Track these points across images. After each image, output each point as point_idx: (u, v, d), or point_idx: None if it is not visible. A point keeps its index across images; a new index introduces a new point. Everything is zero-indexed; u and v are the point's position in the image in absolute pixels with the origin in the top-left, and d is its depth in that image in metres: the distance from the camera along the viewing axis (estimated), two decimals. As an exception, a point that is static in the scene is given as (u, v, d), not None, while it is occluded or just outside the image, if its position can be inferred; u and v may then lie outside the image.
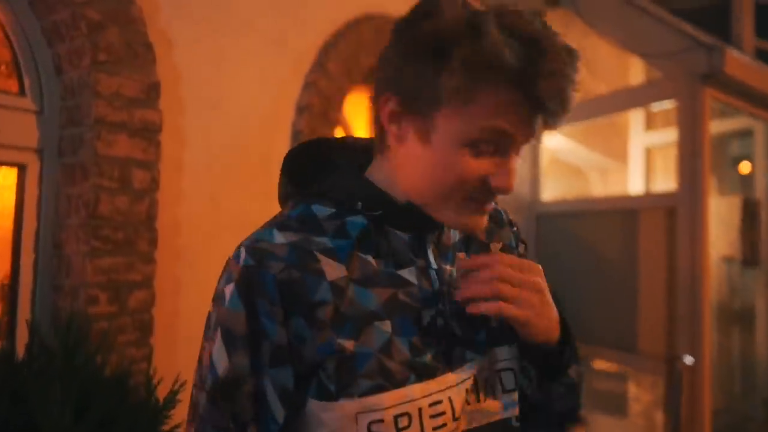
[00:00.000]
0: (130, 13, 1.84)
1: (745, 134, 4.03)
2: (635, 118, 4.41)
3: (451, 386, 0.73)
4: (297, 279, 0.69)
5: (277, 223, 0.74)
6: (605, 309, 3.41)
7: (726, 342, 4.20)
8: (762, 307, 3.74)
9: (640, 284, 3.26)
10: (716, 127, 4.10)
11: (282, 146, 2.27)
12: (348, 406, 0.67)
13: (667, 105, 3.36)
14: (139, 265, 1.81)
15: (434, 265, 0.77)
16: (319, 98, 2.33)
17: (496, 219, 0.90)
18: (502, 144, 0.69)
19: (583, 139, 4.32)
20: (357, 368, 0.68)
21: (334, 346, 0.68)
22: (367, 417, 0.68)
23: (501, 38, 0.63)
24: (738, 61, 3.18)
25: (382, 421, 0.68)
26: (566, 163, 4.28)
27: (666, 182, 4.05)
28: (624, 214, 3.36)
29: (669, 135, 3.83)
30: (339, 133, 2.62)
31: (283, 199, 0.83)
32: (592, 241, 3.49)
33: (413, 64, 0.68)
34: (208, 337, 0.72)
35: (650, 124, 4.42)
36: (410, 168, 0.73)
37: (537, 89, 0.64)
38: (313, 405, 0.69)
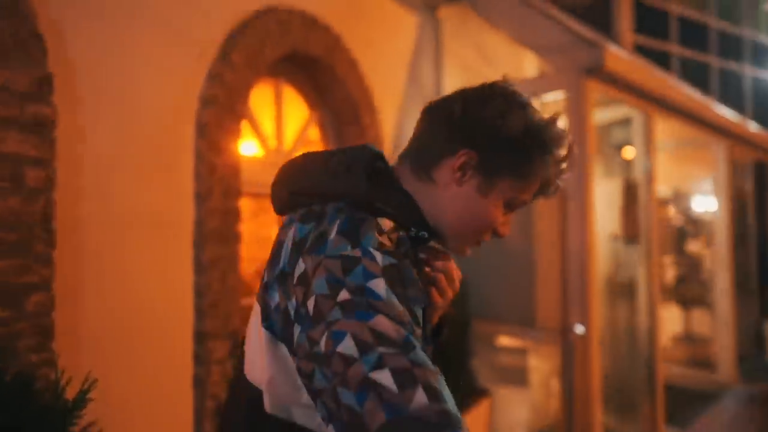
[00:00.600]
0: (17, 2, 1.74)
1: (626, 123, 4.41)
2: (530, 108, 4.68)
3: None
4: (416, 276, 0.82)
5: (373, 229, 0.82)
6: (507, 288, 3.64)
7: (613, 312, 4.61)
8: (642, 279, 4.14)
9: (537, 264, 3.52)
10: (600, 116, 4.46)
11: (187, 140, 2.23)
12: None
13: (559, 96, 3.60)
14: (36, 267, 1.74)
15: None
16: (224, 90, 2.31)
17: None
18: (518, 207, 0.97)
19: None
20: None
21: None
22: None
23: (565, 154, 0.96)
24: (617, 56, 3.49)
25: None
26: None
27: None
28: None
29: (561, 124, 4.12)
30: (245, 125, 2.61)
31: (343, 197, 0.87)
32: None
33: (504, 145, 0.91)
34: (352, 318, 0.71)
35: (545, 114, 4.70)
36: (453, 207, 0.93)
37: (552, 187, 0.98)
38: None
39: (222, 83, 2.30)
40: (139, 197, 2.06)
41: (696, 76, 8.22)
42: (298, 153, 3.43)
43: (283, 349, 0.80)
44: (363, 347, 0.68)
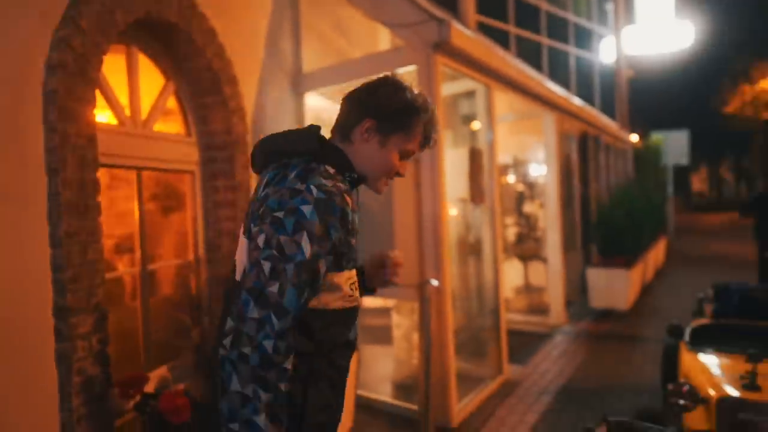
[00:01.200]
0: None
1: (471, 95, 4.82)
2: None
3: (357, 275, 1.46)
4: (344, 208, 1.25)
5: (319, 174, 1.28)
6: (370, 251, 3.87)
7: (464, 269, 5.08)
8: (487, 238, 4.62)
9: (395, 227, 3.78)
10: (449, 89, 4.82)
11: (33, 107, 2.10)
12: (346, 273, 1.35)
13: (411, 69, 3.84)
14: None
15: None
16: (73, 56, 2.20)
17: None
18: (409, 156, 1.45)
19: (339, 99, 4.69)
20: (352, 255, 1.35)
21: (347, 242, 1.31)
22: (350, 281, 1.37)
23: (430, 117, 1.44)
24: (461, 33, 3.80)
25: (353, 282, 1.39)
26: (329, 120, 4.61)
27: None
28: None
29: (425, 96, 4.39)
30: (98, 94, 2.49)
31: (303, 154, 1.36)
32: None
33: (396, 114, 1.39)
34: (284, 231, 1.20)
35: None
36: (366, 157, 1.41)
37: (429, 140, 1.46)
38: (330, 275, 1.31)
39: (71, 48, 2.19)
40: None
41: (530, 54, 9.06)
42: (155, 124, 3.32)
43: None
44: (267, 244, 1.21)
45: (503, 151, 6.79)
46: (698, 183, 55.95)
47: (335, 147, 1.40)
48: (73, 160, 2.17)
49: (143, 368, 2.82)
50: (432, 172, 3.63)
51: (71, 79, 2.18)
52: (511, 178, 7.75)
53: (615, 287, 6.80)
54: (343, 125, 1.43)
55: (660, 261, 10.74)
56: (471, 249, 5.03)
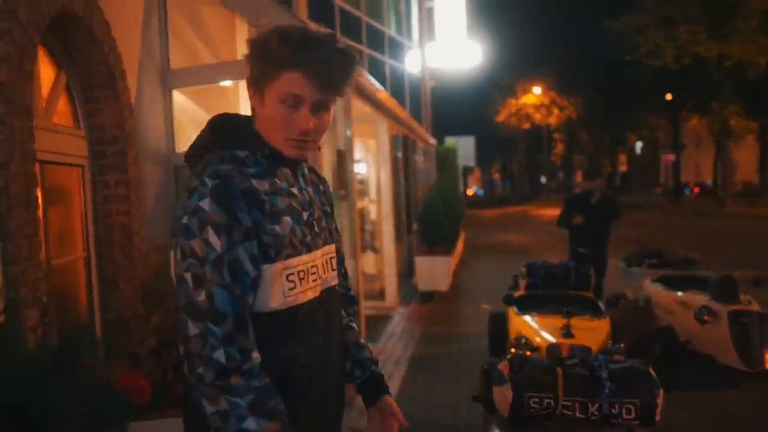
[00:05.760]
0: None
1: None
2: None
3: (317, 259, 1.27)
4: (249, 187, 1.14)
5: (217, 162, 1.15)
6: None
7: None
8: (347, 228, 5.14)
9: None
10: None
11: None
12: (279, 265, 1.16)
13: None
14: None
15: (303, 186, 1.29)
16: (15, 48, 2.16)
17: (319, 176, 1.46)
18: (301, 100, 1.16)
19: (202, 100, 4.81)
20: (281, 242, 1.17)
21: (271, 229, 1.16)
22: (286, 272, 1.18)
23: (287, 36, 1.14)
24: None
25: (293, 274, 1.19)
26: (197, 119, 4.70)
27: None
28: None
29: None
30: (36, 86, 2.43)
31: (206, 148, 1.21)
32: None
33: (253, 60, 1.18)
34: (192, 235, 1.09)
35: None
36: (261, 123, 1.21)
37: (313, 74, 1.14)
38: (262, 266, 1.15)
39: (12, 41, 2.16)
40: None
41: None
42: (53, 117, 3.31)
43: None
44: (183, 255, 1.10)
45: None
46: (473, 182, 63.79)
47: (232, 126, 1.24)
48: (19, 154, 2.15)
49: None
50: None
51: (15, 71, 2.15)
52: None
53: (438, 272, 7.86)
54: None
55: (461, 249, 12.40)
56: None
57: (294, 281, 1.18)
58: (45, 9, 2.44)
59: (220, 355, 1.06)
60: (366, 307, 7.14)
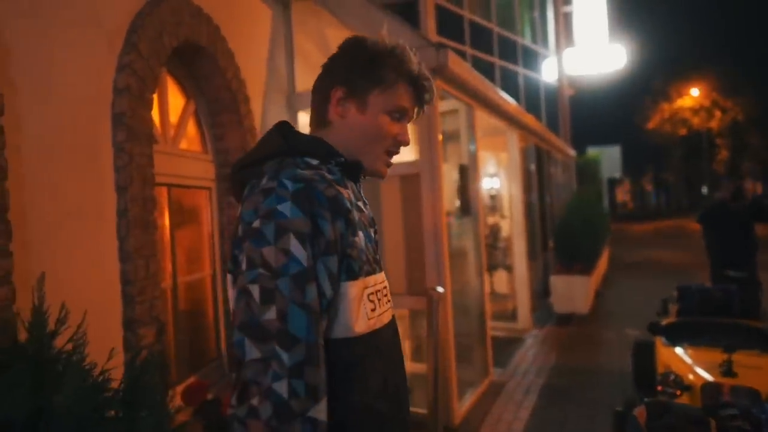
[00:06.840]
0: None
1: (453, 113, 5.14)
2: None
3: (385, 279, 1.16)
4: (335, 194, 1.02)
5: (294, 166, 1.05)
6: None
7: (454, 277, 5.35)
8: (473, 247, 4.91)
9: (385, 239, 4.00)
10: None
11: (104, 130, 2.19)
12: (361, 282, 1.04)
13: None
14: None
15: (366, 202, 1.20)
16: (135, 79, 2.30)
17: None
18: (404, 115, 1.18)
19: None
20: (362, 257, 1.05)
21: (353, 241, 1.03)
22: (367, 290, 1.06)
23: (406, 57, 1.16)
24: (457, 60, 4.10)
25: (372, 293, 1.08)
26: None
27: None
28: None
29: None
30: (155, 113, 2.59)
31: (272, 155, 1.10)
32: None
33: (362, 68, 1.14)
34: (264, 242, 0.95)
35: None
36: (350, 133, 1.14)
37: (419, 85, 1.17)
38: (344, 284, 1.02)
39: (133, 72, 2.30)
40: (73, 187, 1.99)
41: (484, 73, 9.56)
42: (181, 143, 3.47)
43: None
44: (250, 265, 0.95)
45: (470, 166, 7.15)
46: (621, 194, 59.40)
47: (308, 135, 1.16)
48: (138, 179, 2.27)
49: (175, 377, 2.90)
50: (432, 185, 3.88)
51: (135, 101, 2.29)
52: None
53: (576, 293, 7.28)
54: (316, 112, 1.19)
55: (605, 267, 11.47)
56: (455, 257, 5.31)
57: (374, 301, 1.07)
58: (167, 41, 2.57)
59: (282, 387, 0.88)
60: (495, 328, 6.81)
